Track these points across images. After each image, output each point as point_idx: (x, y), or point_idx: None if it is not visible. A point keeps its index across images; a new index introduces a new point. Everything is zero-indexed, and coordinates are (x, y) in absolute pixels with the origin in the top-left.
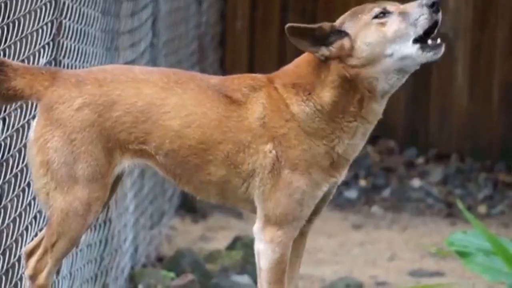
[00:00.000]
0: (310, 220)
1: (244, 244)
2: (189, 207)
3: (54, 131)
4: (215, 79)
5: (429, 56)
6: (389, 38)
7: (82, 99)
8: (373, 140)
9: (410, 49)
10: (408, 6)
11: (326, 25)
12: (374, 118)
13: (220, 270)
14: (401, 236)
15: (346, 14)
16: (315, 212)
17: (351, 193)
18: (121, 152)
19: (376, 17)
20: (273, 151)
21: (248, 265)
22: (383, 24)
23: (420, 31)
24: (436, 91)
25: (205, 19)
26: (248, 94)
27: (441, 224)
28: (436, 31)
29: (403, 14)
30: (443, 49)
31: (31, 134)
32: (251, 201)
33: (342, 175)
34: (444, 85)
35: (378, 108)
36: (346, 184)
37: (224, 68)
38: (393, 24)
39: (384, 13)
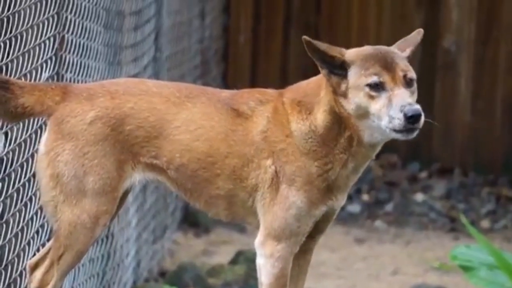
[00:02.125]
0: (314, 238)
1: (247, 259)
2: (191, 222)
3: (65, 144)
4: (226, 93)
5: (399, 136)
6: (371, 111)
7: (95, 113)
8: (376, 154)
9: (384, 127)
10: (397, 96)
11: (339, 58)
12: (364, 159)
13: (222, 285)
14: (404, 250)
15: (363, 53)
16: (319, 231)
17: (354, 208)
18: (133, 164)
19: (370, 85)
20: (273, 166)
21: (250, 280)
22: (371, 97)
23: (390, 127)
24: (439, 105)
25: (208, 33)
26: (254, 108)
27: (444, 239)
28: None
29: (389, 100)
30: (415, 134)
31: (41, 147)
32: (257, 215)
33: (340, 199)
34: (446, 100)
35: (368, 153)
36: (349, 198)
37: (227, 82)
38: (378, 104)
39: (379, 87)
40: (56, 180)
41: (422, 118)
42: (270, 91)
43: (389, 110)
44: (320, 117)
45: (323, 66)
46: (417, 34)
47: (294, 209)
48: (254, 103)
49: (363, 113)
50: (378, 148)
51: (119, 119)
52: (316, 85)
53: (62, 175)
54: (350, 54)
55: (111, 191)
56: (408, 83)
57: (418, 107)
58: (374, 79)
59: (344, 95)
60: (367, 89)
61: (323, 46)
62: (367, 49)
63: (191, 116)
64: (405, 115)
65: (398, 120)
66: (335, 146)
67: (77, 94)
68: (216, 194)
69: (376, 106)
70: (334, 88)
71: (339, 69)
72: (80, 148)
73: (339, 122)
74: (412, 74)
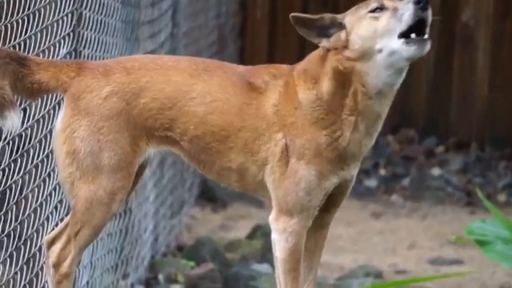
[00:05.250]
0: (329, 212)
1: (264, 233)
2: (209, 197)
3: (81, 120)
4: (242, 68)
5: (412, 50)
6: (379, 32)
7: (110, 88)
8: (393, 129)
9: (395, 43)
10: (400, 3)
11: (327, 16)
12: (372, 115)
13: (240, 259)
14: (421, 224)
15: (353, 7)
16: (334, 205)
17: (371, 182)
18: (147, 139)
19: (371, 11)
20: (283, 140)
21: (268, 254)
22: (376, 18)
23: (403, 27)
24: (456, 80)
25: (225, 8)
26: (268, 81)
27: (461, 213)
28: (427, 29)
29: (394, 10)
30: (428, 44)
31: (58, 124)
32: (268, 189)
33: (352, 169)
34: (464, 74)
35: (374, 106)
36: (366, 172)
37: (244, 58)
38: (383, 19)
39: (381, 8)
40: (73, 157)
41: (430, 9)
42: (285, 66)
43: (397, 14)
44: (325, 85)
45: (320, 38)
46: None
47: (304, 183)
48: (268, 77)
49: (370, 45)
50: (387, 102)
51: (135, 93)
52: (317, 56)
53: (78, 151)
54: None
55: (126, 166)
56: None
57: None
58: (373, 4)
59: (346, 43)
60: (370, 15)
61: (307, 15)
62: None
63: (207, 88)
64: (412, 1)
65: (408, 12)
66: (342, 111)
67: (92, 69)
68: (228, 166)
69: (383, 21)
70: (335, 48)
71: (332, 27)
72: (95, 123)
73: (343, 84)
74: None
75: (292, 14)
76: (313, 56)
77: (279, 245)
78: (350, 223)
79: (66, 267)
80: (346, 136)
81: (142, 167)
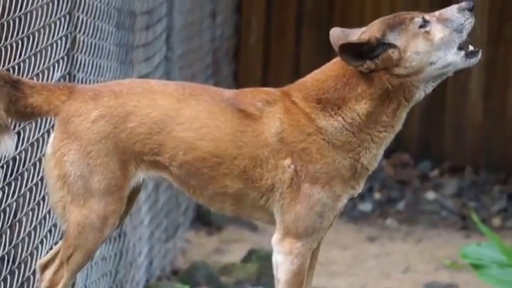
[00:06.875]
0: None
1: (259, 257)
2: (204, 220)
3: (71, 144)
4: (228, 93)
5: (471, 62)
6: (435, 46)
7: (98, 111)
8: (387, 153)
9: (455, 56)
10: (445, 13)
11: (372, 38)
12: (399, 127)
13: (235, 283)
14: (416, 248)
15: (381, 25)
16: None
17: (366, 206)
18: (136, 164)
19: (420, 26)
20: (292, 166)
21: (263, 278)
22: (428, 33)
23: (465, 36)
24: (450, 104)
25: (220, 32)
26: (263, 109)
27: (456, 237)
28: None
29: (442, 21)
30: (480, 54)
31: (48, 148)
32: (270, 213)
33: (361, 186)
34: (458, 99)
35: (403, 118)
36: (361, 197)
37: (238, 82)
38: (437, 32)
39: (425, 22)
40: (63, 181)
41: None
42: (273, 90)
43: (452, 24)
44: (364, 106)
45: (362, 61)
46: None
47: (319, 207)
48: (261, 103)
49: (426, 60)
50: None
51: (122, 117)
52: (335, 83)
53: (68, 175)
54: (371, 30)
55: (117, 190)
56: None
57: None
58: (419, 19)
59: (398, 62)
60: (422, 30)
61: (355, 40)
62: (374, 21)
63: (194, 114)
64: (468, 9)
65: (469, 20)
66: (374, 129)
67: (82, 94)
68: (223, 192)
69: (438, 34)
70: (384, 68)
71: (378, 48)
72: (84, 147)
73: (383, 102)
74: None
75: (341, 43)
76: (327, 83)
77: (283, 267)
78: (345, 247)
79: None
80: (371, 153)
81: (135, 191)
